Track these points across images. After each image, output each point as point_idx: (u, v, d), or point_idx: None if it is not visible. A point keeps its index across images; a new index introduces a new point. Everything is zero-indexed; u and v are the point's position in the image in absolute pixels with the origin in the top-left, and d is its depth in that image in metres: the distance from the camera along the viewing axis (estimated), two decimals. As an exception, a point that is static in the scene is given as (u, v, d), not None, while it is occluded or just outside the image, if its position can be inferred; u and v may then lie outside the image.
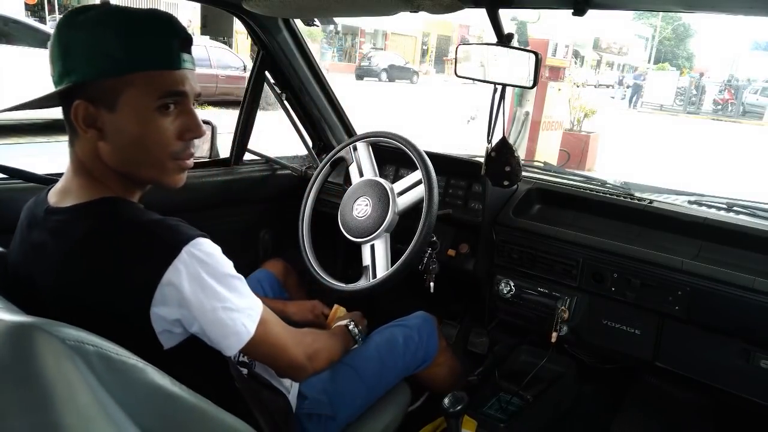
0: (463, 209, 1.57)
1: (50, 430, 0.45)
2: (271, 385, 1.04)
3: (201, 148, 1.67)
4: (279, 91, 1.79)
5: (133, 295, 0.70)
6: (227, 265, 0.77)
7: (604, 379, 1.60)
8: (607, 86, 27.76)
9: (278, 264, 1.57)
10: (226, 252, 0.78)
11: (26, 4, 11.78)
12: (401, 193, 1.36)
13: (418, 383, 1.37)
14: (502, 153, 1.27)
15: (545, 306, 1.39)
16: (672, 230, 1.33)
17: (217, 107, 8.54)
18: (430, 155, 1.36)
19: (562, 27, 11.23)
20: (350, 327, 1.16)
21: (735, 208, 1.36)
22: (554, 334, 1.33)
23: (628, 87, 23.68)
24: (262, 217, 1.85)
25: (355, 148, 1.49)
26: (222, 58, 9.72)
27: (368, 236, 1.33)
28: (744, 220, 1.29)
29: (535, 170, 1.70)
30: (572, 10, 0.98)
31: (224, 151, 1.75)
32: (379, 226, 1.32)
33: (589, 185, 1.56)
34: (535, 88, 3.83)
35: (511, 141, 1.28)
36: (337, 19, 16.42)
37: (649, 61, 33.18)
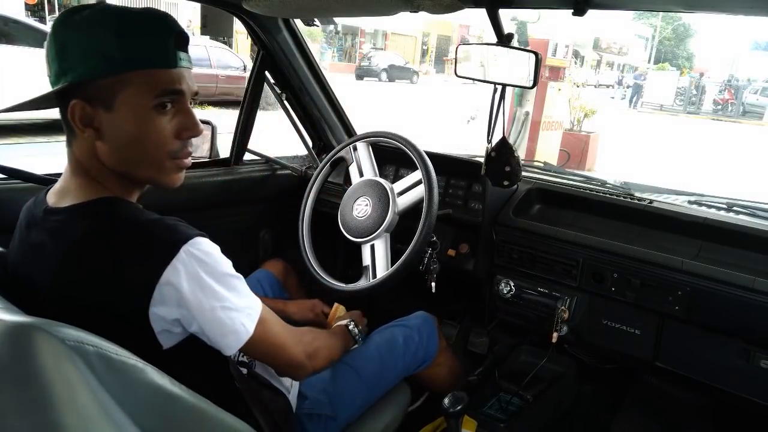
0: (463, 209, 1.57)
1: (50, 430, 0.45)
2: (271, 385, 1.04)
3: (201, 148, 1.67)
4: (279, 91, 1.79)
5: (131, 295, 0.70)
6: (226, 264, 0.77)
7: (604, 379, 1.60)
8: (607, 86, 27.78)
9: (278, 264, 1.57)
10: (226, 252, 0.78)
11: (26, 4, 11.78)
12: (401, 193, 1.35)
13: (418, 383, 1.37)
14: (502, 153, 1.27)
15: (545, 306, 1.39)
16: (672, 230, 1.33)
17: (217, 107, 8.54)
18: (430, 155, 1.36)
19: (562, 27, 11.23)
20: (350, 327, 1.16)
21: (735, 208, 1.36)
22: (554, 334, 1.33)
23: (628, 87, 23.69)
24: (262, 217, 1.85)
25: (355, 148, 1.49)
26: (222, 58, 9.72)
27: (368, 236, 1.33)
28: (744, 220, 1.29)
29: (535, 170, 1.70)
30: (572, 10, 0.98)
31: (224, 151, 1.75)
32: (379, 226, 1.32)
33: (589, 185, 1.55)
34: (535, 88, 3.83)
35: (511, 141, 1.28)
36: (337, 19, 16.42)
37: (649, 61, 33.19)
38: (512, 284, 1.45)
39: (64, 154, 0.79)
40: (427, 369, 1.32)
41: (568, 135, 7.21)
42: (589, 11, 0.98)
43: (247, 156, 1.78)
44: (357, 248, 1.36)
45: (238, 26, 1.67)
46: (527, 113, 6.76)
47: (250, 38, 1.71)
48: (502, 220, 1.49)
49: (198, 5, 1.59)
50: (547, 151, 6.72)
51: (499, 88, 1.21)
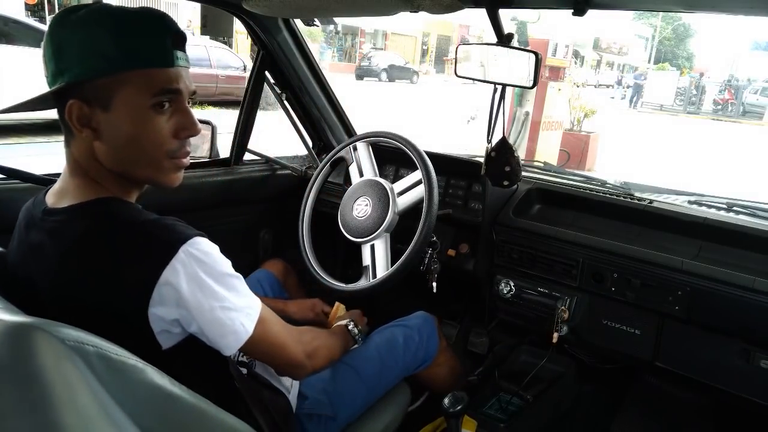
0: (463, 209, 1.57)
1: (50, 430, 0.45)
2: (271, 385, 1.04)
3: (201, 148, 1.67)
4: (279, 91, 1.79)
5: (130, 296, 0.70)
6: (225, 264, 0.76)
7: (604, 379, 1.60)
8: (607, 86, 27.79)
9: (278, 264, 1.57)
10: (226, 252, 0.77)
11: (26, 4, 11.77)
12: (401, 193, 1.35)
13: (418, 383, 1.37)
14: (502, 153, 1.27)
15: (545, 306, 1.39)
16: (672, 230, 1.33)
17: (217, 107, 8.54)
18: (430, 155, 1.35)
19: (562, 27, 11.23)
20: (350, 327, 1.16)
21: (735, 208, 1.36)
22: (554, 334, 1.33)
23: (628, 87, 23.70)
24: (262, 217, 1.85)
25: (355, 148, 1.49)
26: (222, 58, 9.72)
27: (368, 236, 1.33)
28: (744, 220, 1.29)
29: (535, 170, 1.70)
30: (572, 10, 0.98)
31: (224, 151, 1.75)
32: (379, 226, 1.32)
33: (589, 185, 1.55)
34: (535, 88, 3.83)
35: (511, 141, 1.28)
36: (337, 19, 16.43)
37: (649, 61, 33.18)
38: (512, 284, 1.44)
39: (64, 154, 0.79)
40: (427, 369, 1.32)
41: (568, 135, 7.21)
42: (589, 11, 0.98)
43: (247, 156, 1.78)
44: (357, 248, 1.36)
45: (238, 26, 1.67)
46: (527, 113, 6.76)
47: (250, 38, 1.71)
48: (502, 220, 1.49)
49: (198, 5, 1.59)
50: (547, 151, 6.72)
51: (499, 88, 1.21)
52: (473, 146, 1.89)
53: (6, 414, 0.45)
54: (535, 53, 1.09)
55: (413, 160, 1.34)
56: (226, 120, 2.05)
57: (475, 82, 1.23)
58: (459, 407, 1.00)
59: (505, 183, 1.29)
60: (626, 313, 1.29)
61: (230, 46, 10.62)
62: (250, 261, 1.71)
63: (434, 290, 1.40)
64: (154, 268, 0.69)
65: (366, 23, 25.70)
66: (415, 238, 1.25)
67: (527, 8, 1.24)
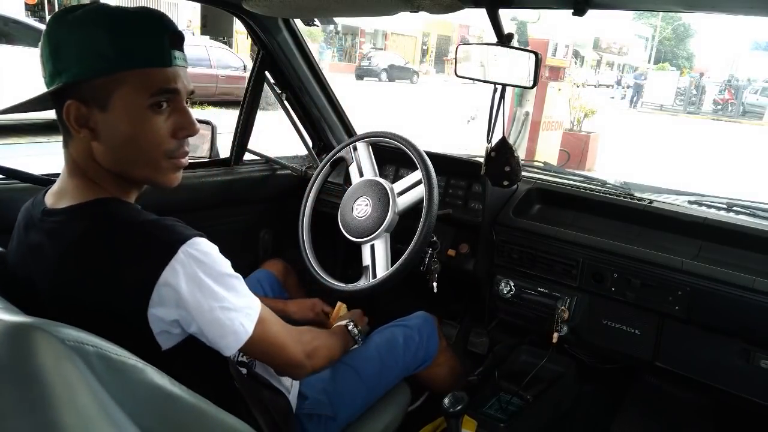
0: (463, 209, 1.57)
1: (50, 430, 0.45)
2: (271, 385, 1.04)
3: (201, 148, 1.67)
4: (279, 91, 1.79)
5: (129, 296, 0.70)
6: (224, 264, 0.76)
7: (604, 379, 1.60)
8: (607, 86, 27.81)
9: (278, 264, 1.57)
10: (226, 252, 0.77)
11: (26, 4, 11.77)
12: (401, 193, 1.35)
13: (418, 383, 1.37)
14: (501, 153, 1.27)
15: (545, 306, 1.39)
16: (672, 230, 1.33)
17: (217, 107, 8.54)
18: (430, 155, 1.35)
19: (562, 27, 11.23)
20: (350, 327, 1.16)
21: (735, 208, 1.36)
22: (554, 334, 1.33)
23: (628, 87, 23.70)
24: (262, 217, 1.85)
25: (355, 148, 1.49)
26: (222, 58, 9.72)
27: (368, 236, 1.33)
28: (744, 220, 1.29)
29: (535, 170, 1.70)
30: (572, 10, 0.98)
31: (224, 151, 1.75)
32: (379, 226, 1.32)
33: (589, 185, 1.55)
34: (535, 88, 3.83)
35: (511, 141, 1.28)
36: (337, 19, 16.42)
37: (649, 61, 33.19)
38: (512, 284, 1.44)
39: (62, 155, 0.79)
40: (427, 369, 1.32)
41: (568, 135, 7.21)
42: (589, 11, 0.98)
43: (247, 156, 1.78)
44: (357, 248, 1.36)
45: (238, 26, 1.67)
46: (527, 113, 6.76)
47: (250, 38, 1.71)
48: (502, 220, 1.49)
49: (198, 5, 1.59)
50: (547, 151, 6.72)
51: (499, 88, 1.21)
52: (473, 146, 1.89)
53: (6, 414, 0.45)
54: (535, 53, 1.09)
55: (413, 160, 1.34)
56: (226, 120, 2.05)
57: (475, 82, 1.23)
58: (459, 407, 1.00)
59: (505, 183, 1.29)
60: (626, 313, 1.29)
61: (230, 46, 10.62)
62: (250, 261, 1.71)
63: (434, 290, 1.40)
64: (153, 269, 0.69)
65: (366, 23, 25.70)
66: (415, 238, 1.25)
67: (527, 8, 1.24)
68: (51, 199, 0.78)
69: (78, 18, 0.71)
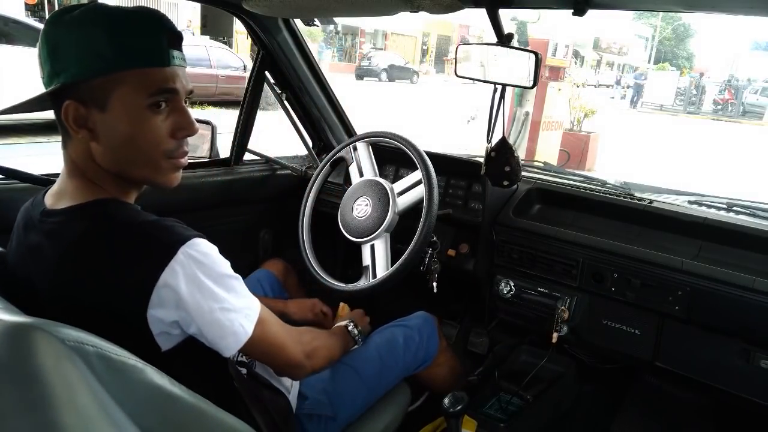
0: (463, 209, 1.57)
1: (50, 430, 0.45)
2: (271, 385, 1.04)
3: (201, 148, 1.67)
4: (279, 91, 1.79)
5: (129, 297, 0.70)
6: (224, 264, 0.76)
7: (604, 379, 1.60)
8: (607, 86, 27.81)
9: (278, 264, 1.57)
10: (226, 252, 0.77)
11: (26, 4, 11.77)
12: (401, 193, 1.35)
13: (418, 383, 1.37)
14: (501, 153, 1.27)
15: (545, 306, 1.39)
16: (672, 230, 1.33)
17: (217, 107, 8.54)
18: (430, 155, 1.35)
19: (562, 27, 11.23)
20: (350, 327, 1.16)
21: (735, 208, 1.36)
22: (554, 334, 1.33)
23: (628, 87, 23.70)
24: (262, 217, 1.85)
25: (355, 148, 1.49)
26: (222, 58, 9.72)
27: (368, 236, 1.33)
28: (744, 220, 1.29)
29: (535, 170, 1.70)
30: (572, 10, 0.98)
31: (224, 151, 1.75)
32: (379, 226, 1.32)
33: (589, 185, 1.55)
34: (535, 88, 3.83)
35: (511, 141, 1.28)
36: (337, 19, 16.42)
37: (649, 61, 33.18)
38: (512, 284, 1.44)
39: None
40: (427, 369, 1.32)
41: (568, 135, 7.21)
42: (589, 11, 0.98)
43: (247, 156, 1.78)
44: (357, 248, 1.36)
45: (238, 26, 1.67)
46: (527, 113, 6.76)
47: (250, 38, 1.71)
48: (502, 220, 1.49)
49: (198, 5, 1.59)
50: (547, 151, 6.72)
51: (499, 88, 1.21)
52: (473, 146, 1.89)
53: (6, 414, 0.45)
54: (535, 53, 1.09)
55: (413, 160, 1.34)
56: (226, 120, 2.05)
57: (475, 82, 1.23)
58: (459, 407, 1.00)
59: (505, 183, 1.29)
60: (626, 313, 1.29)
61: (230, 46, 10.62)
62: (250, 261, 1.71)
63: (434, 290, 1.40)
64: (152, 270, 0.69)
65: (366, 23, 25.70)
66: (415, 238, 1.25)
67: (527, 8, 1.24)
68: (50, 199, 0.78)
69: (76, 18, 0.71)
